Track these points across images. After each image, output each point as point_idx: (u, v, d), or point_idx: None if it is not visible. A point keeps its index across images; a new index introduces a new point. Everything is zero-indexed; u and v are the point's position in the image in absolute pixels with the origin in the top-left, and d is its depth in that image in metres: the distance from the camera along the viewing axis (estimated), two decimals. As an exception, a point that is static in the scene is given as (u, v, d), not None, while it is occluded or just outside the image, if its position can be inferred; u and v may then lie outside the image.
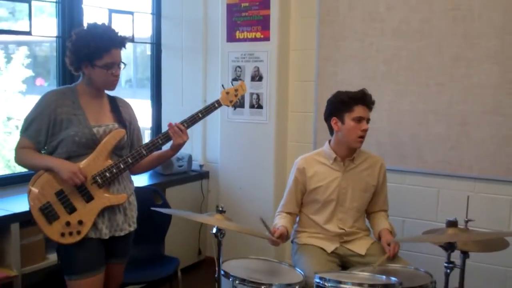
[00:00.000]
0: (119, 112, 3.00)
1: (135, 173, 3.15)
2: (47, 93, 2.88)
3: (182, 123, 2.98)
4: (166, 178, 4.80)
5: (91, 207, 2.81)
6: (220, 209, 2.82)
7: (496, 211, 3.93)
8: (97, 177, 2.81)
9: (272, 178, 4.66)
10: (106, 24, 2.93)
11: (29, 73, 4.65)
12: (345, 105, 3.27)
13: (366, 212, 3.52)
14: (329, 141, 3.41)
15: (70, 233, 2.78)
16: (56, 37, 4.33)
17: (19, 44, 4.63)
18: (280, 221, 3.32)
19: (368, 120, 3.29)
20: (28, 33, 4.09)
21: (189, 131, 5.15)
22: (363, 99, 3.27)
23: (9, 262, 3.47)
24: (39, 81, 4.82)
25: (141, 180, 4.59)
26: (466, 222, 2.89)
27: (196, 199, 5.07)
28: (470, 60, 3.93)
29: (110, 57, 2.81)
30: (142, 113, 5.33)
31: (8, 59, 4.53)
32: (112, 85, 2.93)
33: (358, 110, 3.24)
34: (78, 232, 2.79)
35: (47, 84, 4.57)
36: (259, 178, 4.72)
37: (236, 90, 3.13)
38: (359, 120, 3.24)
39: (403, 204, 4.19)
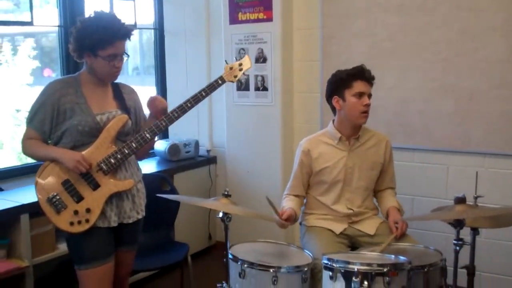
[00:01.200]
0: (122, 98, 2.98)
1: (140, 158, 3.14)
2: (50, 83, 2.87)
3: (185, 102, 2.90)
4: (174, 164, 4.79)
5: (99, 194, 2.80)
6: (226, 193, 2.80)
7: (506, 186, 3.89)
8: (102, 164, 2.80)
9: (279, 160, 4.64)
10: (113, 14, 2.89)
11: (36, 64, 4.65)
12: (344, 82, 3.23)
13: (374, 191, 3.48)
14: (333, 121, 3.38)
15: (79, 222, 2.77)
16: (58, 26, 4.32)
17: (26, 35, 4.63)
18: (287, 204, 3.30)
19: (369, 96, 3.24)
20: (30, 23, 4.08)
21: (195, 116, 5.20)
22: (362, 74, 3.22)
23: (20, 253, 3.49)
24: (47, 72, 4.82)
25: (149, 167, 4.60)
26: (475, 198, 2.87)
27: (205, 185, 5.07)
28: (476, 34, 3.86)
29: (113, 49, 2.78)
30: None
31: (15, 51, 4.53)
32: (114, 77, 2.91)
33: (358, 86, 3.20)
34: (87, 220, 2.78)
35: (55, 74, 4.57)
36: (266, 161, 4.70)
37: (240, 65, 3.01)
38: (360, 95, 3.19)
39: (412, 182, 4.16)
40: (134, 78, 6.15)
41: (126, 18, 2.88)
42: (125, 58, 2.88)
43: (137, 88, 3.14)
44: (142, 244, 3.19)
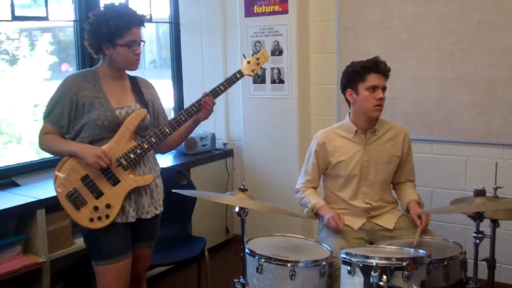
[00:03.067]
0: (141, 92, 2.96)
1: (163, 152, 3.14)
2: (67, 77, 2.86)
3: (203, 97, 2.90)
4: (190, 158, 4.78)
5: (118, 190, 2.79)
6: (242, 187, 2.77)
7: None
8: (122, 159, 2.78)
9: (296, 153, 4.60)
10: (124, 3, 2.89)
11: (54, 59, 4.66)
12: (357, 75, 3.19)
13: (392, 183, 3.45)
14: (349, 114, 3.34)
15: (99, 218, 2.76)
16: (74, 21, 4.32)
17: (43, 30, 4.64)
18: (317, 200, 3.29)
19: (384, 89, 3.20)
20: (45, 18, 4.09)
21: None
22: (376, 67, 3.18)
23: (36, 248, 3.50)
24: (64, 67, 4.84)
25: (165, 161, 4.59)
26: (495, 189, 2.83)
27: (221, 178, 5.05)
28: (494, 24, 3.80)
29: (131, 35, 2.77)
30: (168, 93, 5.32)
31: (32, 46, 4.55)
32: (134, 65, 2.89)
33: (371, 79, 3.16)
34: (107, 216, 2.77)
35: (72, 69, 4.59)
36: (283, 154, 4.68)
37: (257, 59, 2.99)
38: (373, 89, 3.15)
39: (431, 174, 4.11)
40: (151, 71, 6.16)
41: (141, 11, 2.88)
42: (142, 44, 2.86)
43: (154, 82, 3.13)
44: (159, 238, 3.18)
